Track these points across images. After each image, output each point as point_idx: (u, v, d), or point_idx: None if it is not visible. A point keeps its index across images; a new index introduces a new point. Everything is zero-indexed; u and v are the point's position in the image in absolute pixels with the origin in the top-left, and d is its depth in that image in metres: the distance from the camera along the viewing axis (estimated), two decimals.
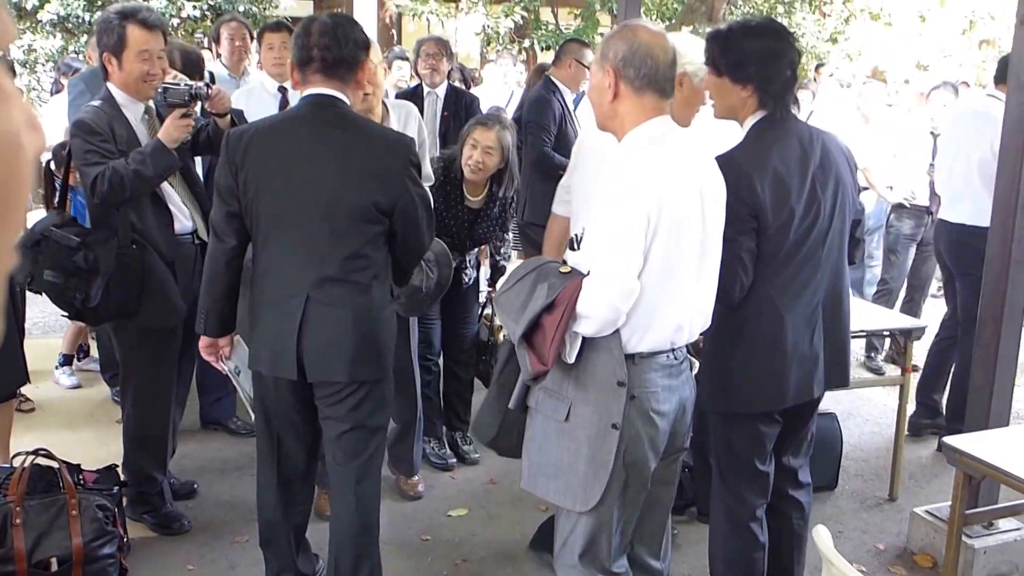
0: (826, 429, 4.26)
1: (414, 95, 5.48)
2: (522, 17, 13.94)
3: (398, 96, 5.52)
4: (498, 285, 2.60)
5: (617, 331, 2.38)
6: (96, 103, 3.51)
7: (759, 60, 2.78)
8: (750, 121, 2.85)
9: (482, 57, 14.94)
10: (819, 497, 4.18)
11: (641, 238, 2.32)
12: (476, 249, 4.46)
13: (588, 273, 2.38)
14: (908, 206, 6.27)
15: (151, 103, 3.60)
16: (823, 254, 2.88)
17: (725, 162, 2.69)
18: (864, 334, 4.42)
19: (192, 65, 4.22)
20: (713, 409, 3.02)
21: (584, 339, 2.40)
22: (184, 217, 3.68)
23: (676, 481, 2.75)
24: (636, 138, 2.44)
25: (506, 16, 13.98)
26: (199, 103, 3.56)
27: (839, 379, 3.05)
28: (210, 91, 3.57)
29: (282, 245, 2.85)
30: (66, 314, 3.76)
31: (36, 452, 3.34)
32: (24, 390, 5.03)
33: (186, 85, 3.52)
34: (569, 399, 2.45)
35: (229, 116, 3.73)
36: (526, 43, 13.93)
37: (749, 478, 3.02)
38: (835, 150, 2.92)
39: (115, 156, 3.39)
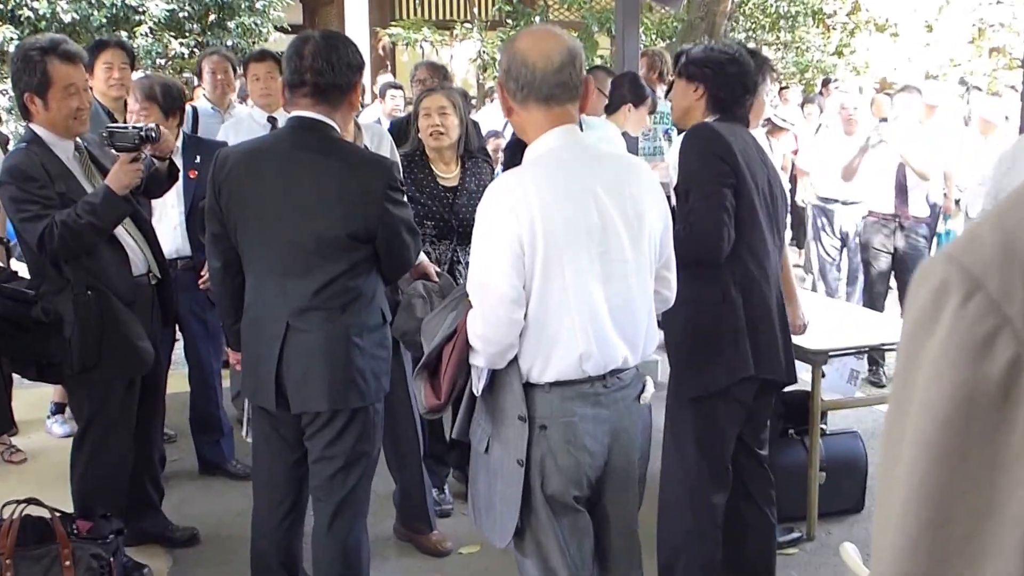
0: (850, 449, 4.12)
1: (407, 121, 5.35)
2: None
3: (392, 123, 5.41)
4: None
5: (516, 363, 2.23)
6: (22, 145, 3.33)
7: (714, 66, 2.97)
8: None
9: (479, 84, 14.89)
10: (846, 520, 4.08)
11: (512, 266, 2.15)
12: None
13: None
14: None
15: (79, 140, 3.43)
16: (771, 239, 2.98)
17: (700, 127, 2.85)
18: (867, 349, 4.25)
19: (172, 100, 4.07)
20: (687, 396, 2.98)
21: (494, 371, 2.26)
22: (137, 258, 3.49)
23: (635, 511, 2.53)
24: (530, 154, 2.30)
25: (501, 42, 13.93)
26: (149, 146, 3.38)
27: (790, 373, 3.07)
28: (158, 134, 3.40)
29: (263, 270, 2.80)
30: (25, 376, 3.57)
31: (26, 501, 3.23)
32: (15, 440, 4.95)
33: (134, 128, 3.35)
34: (488, 432, 2.32)
35: (168, 160, 3.63)
36: None
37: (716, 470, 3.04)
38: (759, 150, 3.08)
39: (56, 203, 3.21)
